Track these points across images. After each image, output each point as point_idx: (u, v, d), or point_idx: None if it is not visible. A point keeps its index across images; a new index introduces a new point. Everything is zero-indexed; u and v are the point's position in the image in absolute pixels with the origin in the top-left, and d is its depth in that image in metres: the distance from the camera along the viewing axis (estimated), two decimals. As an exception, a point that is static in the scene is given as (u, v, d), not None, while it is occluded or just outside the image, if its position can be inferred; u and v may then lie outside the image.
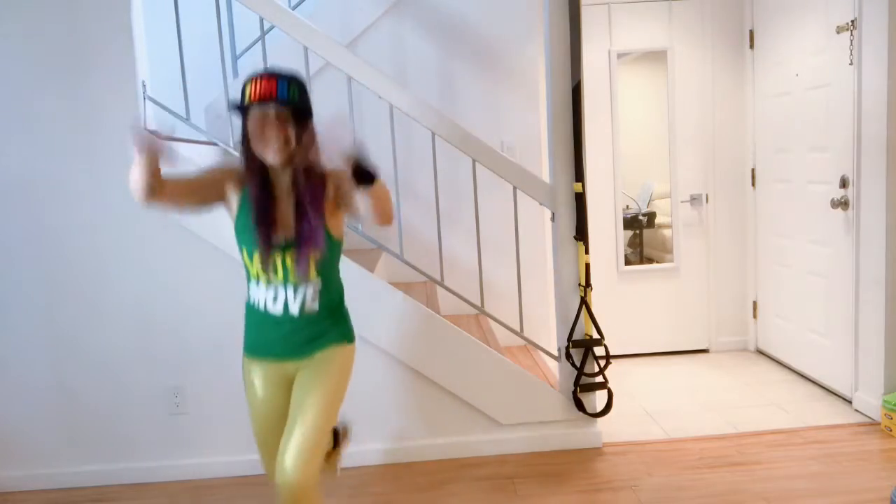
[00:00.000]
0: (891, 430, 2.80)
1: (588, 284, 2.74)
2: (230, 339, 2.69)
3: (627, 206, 4.23)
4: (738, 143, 4.02)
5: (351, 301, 2.66)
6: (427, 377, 2.73)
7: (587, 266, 2.74)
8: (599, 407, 2.81)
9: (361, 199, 1.63)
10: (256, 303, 1.79)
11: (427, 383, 2.75)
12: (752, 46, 3.89)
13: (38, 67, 2.52)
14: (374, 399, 2.76)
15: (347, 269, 2.64)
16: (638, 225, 4.32)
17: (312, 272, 1.75)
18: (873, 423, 2.93)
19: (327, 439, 1.75)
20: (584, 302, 2.75)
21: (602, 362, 2.78)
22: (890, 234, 2.83)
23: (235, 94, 3.27)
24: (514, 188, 2.79)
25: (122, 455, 2.73)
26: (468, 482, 2.60)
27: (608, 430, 2.94)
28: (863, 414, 3.04)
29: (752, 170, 3.98)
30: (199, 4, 3.05)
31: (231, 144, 2.78)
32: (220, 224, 2.60)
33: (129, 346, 2.67)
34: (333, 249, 1.79)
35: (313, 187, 1.72)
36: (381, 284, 2.67)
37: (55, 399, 2.68)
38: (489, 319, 3.29)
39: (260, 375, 1.82)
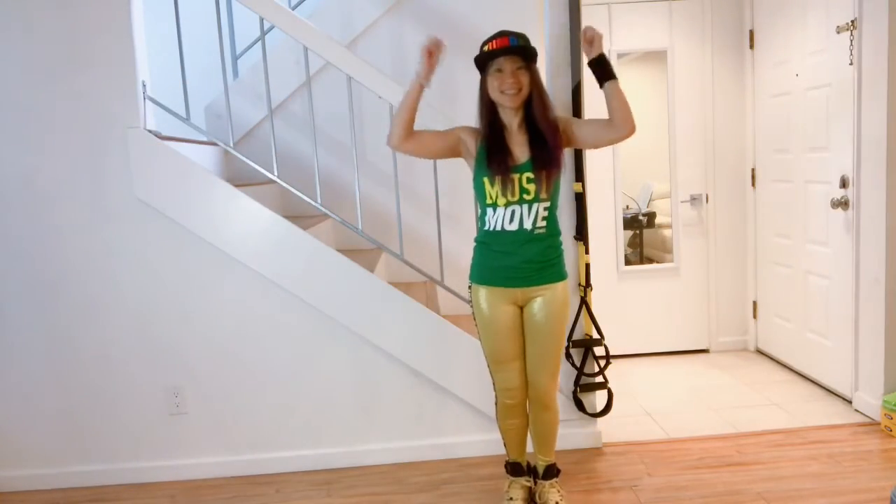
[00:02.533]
0: (891, 430, 2.80)
1: (588, 284, 2.73)
2: (230, 339, 2.69)
3: (627, 206, 4.23)
4: (738, 143, 4.02)
5: (352, 301, 2.67)
6: (427, 377, 2.73)
7: (587, 266, 2.74)
8: (599, 407, 2.81)
9: (606, 99, 2.10)
10: (493, 227, 2.13)
11: (427, 383, 2.75)
12: (752, 46, 3.89)
13: (37, 67, 2.52)
14: (374, 399, 2.76)
15: (348, 269, 2.65)
16: (638, 225, 4.32)
17: (544, 192, 2.08)
18: (873, 423, 2.93)
19: (561, 358, 2.28)
20: (584, 302, 2.75)
21: (602, 362, 2.78)
22: (890, 234, 2.83)
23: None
24: (514, 188, 2.78)
25: (122, 455, 2.73)
26: (468, 482, 2.60)
27: (608, 430, 2.94)
28: (863, 414, 3.04)
29: (752, 170, 3.98)
30: (199, 5, 3.05)
31: (231, 144, 2.78)
32: (219, 224, 2.60)
33: (128, 346, 2.67)
34: (559, 176, 2.15)
35: (547, 121, 2.10)
36: (381, 284, 2.67)
37: (55, 399, 2.68)
38: (489, 319, 3.29)
39: (491, 299, 2.17)
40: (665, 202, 4.17)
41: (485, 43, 2.10)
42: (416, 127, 2.19)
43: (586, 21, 2.64)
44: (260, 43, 2.86)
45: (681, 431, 2.98)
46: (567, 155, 2.73)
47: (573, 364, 2.75)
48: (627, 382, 3.66)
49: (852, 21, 2.95)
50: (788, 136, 3.57)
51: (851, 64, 2.98)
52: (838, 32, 3.06)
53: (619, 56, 3.98)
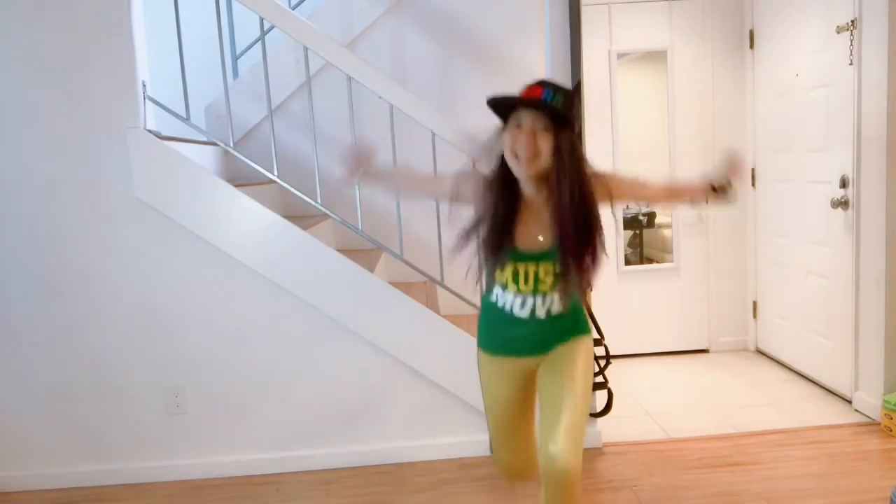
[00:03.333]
0: (891, 430, 2.80)
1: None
2: (231, 339, 2.69)
3: (627, 206, 4.23)
4: (738, 143, 4.01)
5: (351, 301, 2.67)
6: (427, 377, 2.73)
7: (587, 266, 2.73)
8: (599, 407, 2.81)
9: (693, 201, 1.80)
10: (502, 304, 1.74)
11: (427, 383, 2.75)
12: (752, 46, 3.89)
13: (37, 67, 2.52)
14: (373, 399, 2.75)
15: (348, 269, 2.65)
16: (638, 225, 4.32)
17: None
18: (873, 423, 2.93)
19: (587, 426, 1.78)
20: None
21: (602, 362, 2.78)
22: (890, 234, 2.83)
23: (235, 97, 3.25)
24: (514, 188, 2.78)
25: (122, 455, 2.72)
26: (468, 482, 2.59)
27: (608, 430, 2.93)
28: (863, 414, 3.04)
29: (752, 170, 3.98)
30: (199, 4, 3.05)
31: (231, 144, 2.78)
32: (219, 224, 2.60)
33: (128, 345, 2.67)
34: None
35: (579, 204, 1.62)
36: (381, 284, 2.67)
37: (55, 399, 2.68)
38: (489, 319, 3.28)
39: (498, 371, 1.81)
40: (665, 202, 4.17)
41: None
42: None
43: (587, 21, 2.62)
44: (260, 43, 2.86)
45: (681, 431, 2.98)
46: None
47: (573, 364, 2.75)
48: (627, 382, 3.66)
49: (852, 21, 2.95)
50: (788, 136, 3.57)
51: (851, 64, 2.98)
52: (838, 32, 3.06)
53: (620, 56, 3.98)
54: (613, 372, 3.76)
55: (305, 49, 2.69)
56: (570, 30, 2.68)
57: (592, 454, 2.77)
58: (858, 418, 3.00)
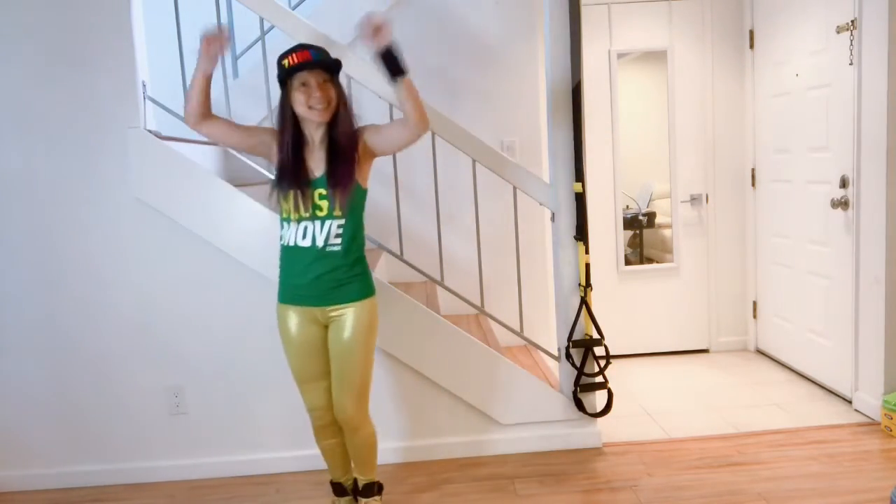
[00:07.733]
0: (891, 430, 2.81)
1: (588, 284, 2.73)
2: (230, 339, 2.69)
3: (627, 206, 4.23)
4: (738, 143, 4.02)
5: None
6: (427, 377, 2.73)
7: (587, 266, 2.74)
8: (599, 407, 2.81)
9: (396, 95, 1.92)
10: (288, 241, 2.07)
11: (427, 383, 2.75)
12: (752, 46, 3.89)
13: (37, 67, 2.52)
14: (374, 399, 2.74)
15: (347, 269, 2.65)
16: (638, 225, 4.32)
17: (338, 209, 2.02)
18: (873, 423, 2.93)
19: (371, 377, 2.17)
20: (584, 302, 2.75)
21: (602, 362, 2.78)
22: (890, 234, 2.83)
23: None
24: (514, 188, 2.79)
25: (122, 455, 2.73)
26: (468, 482, 2.60)
27: (608, 430, 2.94)
28: (863, 414, 3.04)
29: (752, 170, 3.98)
30: (199, 5, 3.05)
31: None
32: (219, 224, 2.60)
33: (129, 345, 2.67)
34: (359, 194, 2.08)
35: (348, 137, 2.03)
36: (380, 284, 2.67)
37: (55, 399, 2.68)
38: (489, 319, 3.29)
39: (292, 319, 2.11)
40: (665, 202, 4.17)
41: (283, 57, 1.99)
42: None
43: (587, 21, 2.63)
44: (260, 43, 2.87)
45: (681, 431, 2.98)
46: (566, 155, 2.74)
47: (573, 364, 2.75)
48: (627, 382, 3.66)
49: (852, 21, 2.95)
50: (788, 136, 3.57)
51: (851, 64, 2.98)
52: (838, 32, 3.06)
53: (620, 56, 3.98)
54: (613, 372, 3.78)
55: (305, 49, 2.68)
56: (570, 30, 2.68)
57: (592, 454, 2.77)
58: (858, 418, 3.01)
